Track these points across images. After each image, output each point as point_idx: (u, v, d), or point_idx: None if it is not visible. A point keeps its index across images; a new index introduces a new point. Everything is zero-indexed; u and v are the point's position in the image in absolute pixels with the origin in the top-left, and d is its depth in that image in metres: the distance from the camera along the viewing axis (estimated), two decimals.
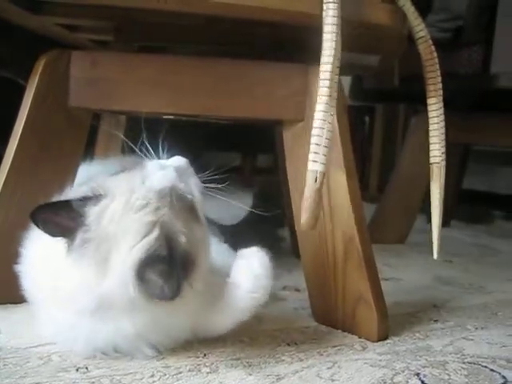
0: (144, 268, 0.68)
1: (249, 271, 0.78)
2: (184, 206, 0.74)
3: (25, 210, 0.90)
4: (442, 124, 0.94)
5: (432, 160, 0.94)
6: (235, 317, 0.79)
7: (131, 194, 0.72)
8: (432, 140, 0.94)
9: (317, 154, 0.80)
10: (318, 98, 0.81)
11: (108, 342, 0.73)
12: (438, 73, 0.94)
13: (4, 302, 0.91)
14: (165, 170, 0.76)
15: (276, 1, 0.84)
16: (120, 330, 0.71)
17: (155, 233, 0.70)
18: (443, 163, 0.94)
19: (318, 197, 0.80)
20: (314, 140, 0.80)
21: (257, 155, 3.18)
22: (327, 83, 0.80)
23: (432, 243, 0.94)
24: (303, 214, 0.80)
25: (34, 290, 0.78)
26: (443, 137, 0.94)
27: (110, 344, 0.73)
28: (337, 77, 0.81)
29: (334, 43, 0.80)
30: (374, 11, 0.90)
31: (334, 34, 0.80)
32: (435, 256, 0.95)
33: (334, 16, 0.80)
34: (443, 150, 0.94)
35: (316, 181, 0.80)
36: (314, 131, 0.80)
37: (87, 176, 0.98)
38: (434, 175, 0.94)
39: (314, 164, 0.80)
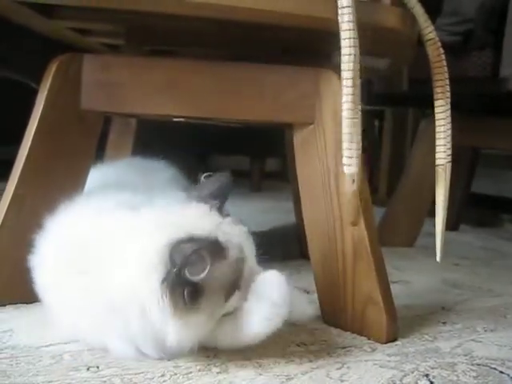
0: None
1: (266, 298, 0.76)
2: None
3: (36, 212, 0.92)
4: (449, 126, 0.94)
5: (437, 162, 0.95)
6: (245, 341, 0.77)
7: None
8: (438, 142, 0.95)
9: (350, 157, 0.83)
10: (343, 101, 0.83)
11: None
12: (446, 75, 0.94)
13: (16, 301, 0.92)
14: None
15: (287, 5, 0.84)
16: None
17: None
18: (448, 165, 0.94)
19: (357, 198, 0.84)
20: (345, 145, 0.83)
21: (265, 159, 3.18)
22: (350, 85, 0.82)
23: (436, 246, 0.95)
24: (347, 216, 0.86)
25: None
26: (449, 139, 0.94)
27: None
28: (358, 79, 0.82)
29: (352, 49, 0.81)
30: (383, 15, 0.91)
31: (352, 38, 0.81)
32: (438, 259, 0.95)
33: (350, 21, 0.81)
34: (449, 152, 0.94)
35: (353, 183, 0.84)
36: (344, 137, 0.83)
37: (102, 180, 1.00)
38: (439, 177, 0.95)
39: (350, 168, 0.84)
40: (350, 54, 0.81)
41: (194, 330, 0.71)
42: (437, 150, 0.94)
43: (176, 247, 0.69)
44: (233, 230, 0.76)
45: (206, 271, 0.69)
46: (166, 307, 0.68)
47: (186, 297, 0.68)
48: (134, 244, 0.72)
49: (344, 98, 0.82)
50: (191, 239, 0.70)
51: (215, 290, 0.71)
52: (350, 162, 0.83)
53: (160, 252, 0.69)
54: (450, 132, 0.94)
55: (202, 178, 0.80)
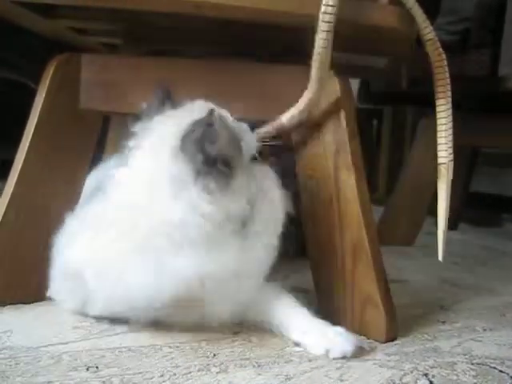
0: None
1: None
2: None
3: (35, 212, 0.92)
4: (450, 125, 0.94)
5: (439, 161, 0.95)
6: None
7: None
8: (439, 141, 0.95)
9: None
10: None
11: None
12: (447, 74, 0.94)
13: (15, 302, 0.91)
14: None
15: (286, 3, 0.84)
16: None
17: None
18: (450, 164, 0.94)
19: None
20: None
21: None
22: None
23: (437, 245, 0.95)
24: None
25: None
26: (451, 138, 0.94)
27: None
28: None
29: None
30: (381, 13, 0.90)
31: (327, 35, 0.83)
32: (440, 258, 0.95)
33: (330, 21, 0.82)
34: (450, 150, 0.94)
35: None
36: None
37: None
38: (441, 176, 0.95)
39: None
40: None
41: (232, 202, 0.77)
42: (439, 149, 0.94)
43: (186, 136, 0.76)
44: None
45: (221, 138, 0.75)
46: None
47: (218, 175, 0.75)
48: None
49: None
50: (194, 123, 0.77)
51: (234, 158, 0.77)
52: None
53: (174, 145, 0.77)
54: (451, 131, 0.94)
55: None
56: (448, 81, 0.94)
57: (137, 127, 0.83)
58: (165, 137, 0.79)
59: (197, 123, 0.78)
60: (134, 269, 0.77)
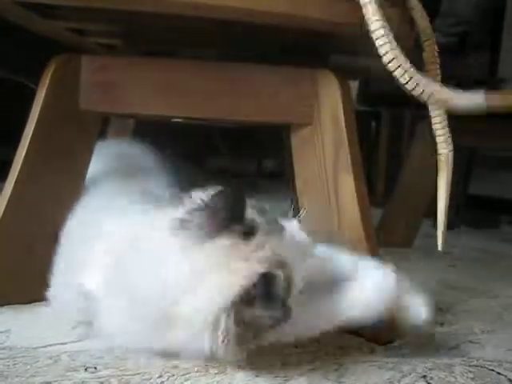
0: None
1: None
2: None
3: (33, 214, 0.92)
4: (445, 117, 0.93)
5: (439, 151, 0.94)
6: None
7: (260, 247, 0.71)
8: (437, 133, 0.94)
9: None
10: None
11: None
12: (439, 77, 0.94)
13: (14, 302, 0.91)
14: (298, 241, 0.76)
15: (285, 6, 0.84)
16: None
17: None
18: (450, 154, 0.93)
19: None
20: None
21: (263, 159, 3.18)
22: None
23: (437, 235, 0.94)
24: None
25: None
26: (447, 129, 0.93)
27: None
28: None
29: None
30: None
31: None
32: (440, 247, 0.94)
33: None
34: (449, 141, 0.94)
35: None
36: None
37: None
38: (441, 167, 0.94)
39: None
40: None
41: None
42: (437, 141, 0.93)
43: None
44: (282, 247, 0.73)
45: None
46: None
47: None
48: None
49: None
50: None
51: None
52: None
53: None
54: (446, 122, 0.93)
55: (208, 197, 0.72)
56: (439, 78, 0.94)
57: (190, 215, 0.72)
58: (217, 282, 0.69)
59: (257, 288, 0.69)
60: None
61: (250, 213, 0.72)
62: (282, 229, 0.74)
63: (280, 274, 0.69)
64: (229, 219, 0.69)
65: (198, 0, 0.81)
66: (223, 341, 0.67)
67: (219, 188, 0.71)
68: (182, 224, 0.70)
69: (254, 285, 0.68)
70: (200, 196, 0.72)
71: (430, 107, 0.93)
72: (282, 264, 0.70)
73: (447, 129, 0.94)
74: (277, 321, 0.68)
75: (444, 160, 0.94)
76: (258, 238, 0.70)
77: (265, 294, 0.68)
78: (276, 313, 0.68)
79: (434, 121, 0.94)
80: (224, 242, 0.69)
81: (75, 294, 0.80)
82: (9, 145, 0.96)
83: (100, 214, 0.85)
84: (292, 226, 0.77)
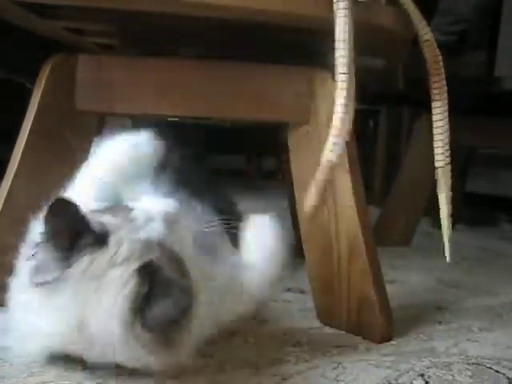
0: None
1: (261, 248, 0.80)
2: (172, 257, 0.69)
3: (30, 214, 0.92)
4: (447, 127, 0.94)
5: (436, 164, 0.95)
6: (255, 298, 0.81)
7: (118, 248, 0.67)
8: (436, 144, 0.94)
9: (336, 144, 0.81)
10: (336, 97, 0.81)
11: None
12: (443, 76, 0.94)
13: None
14: (152, 223, 0.70)
15: (282, 4, 0.84)
16: None
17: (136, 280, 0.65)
18: (448, 167, 0.94)
19: (323, 187, 0.81)
20: (333, 131, 0.81)
21: (261, 158, 3.18)
22: (344, 79, 0.81)
23: (444, 247, 0.94)
24: (307, 200, 0.81)
25: None
26: (447, 141, 0.94)
27: None
28: (353, 75, 0.81)
29: (347, 45, 0.81)
30: (378, 14, 0.91)
31: (347, 37, 0.81)
32: (448, 259, 0.94)
33: (346, 16, 0.81)
34: (447, 153, 0.94)
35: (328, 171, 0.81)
36: (335, 121, 0.81)
37: None
38: (440, 180, 0.95)
39: (331, 154, 0.81)
40: (344, 49, 0.81)
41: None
42: (436, 152, 0.94)
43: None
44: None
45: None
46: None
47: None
48: None
49: (337, 91, 0.81)
50: None
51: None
52: (334, 149, 0.81)
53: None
54: (448, 133, 0.93)
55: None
56: (444, 82, 0.94)
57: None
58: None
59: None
60: None
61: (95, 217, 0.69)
62: (130, 211, 0.70)
63: (154, 259, 0.66)
64: (73, 237, 0.66)
65: None
66: (150, 352, 0.65)
67: (46, 212, 0.68)
68: (36, 269, 0.67)
69: (138, 284, 0.64)
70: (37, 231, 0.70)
71: (434, 118, 0.94)
72: (151, 249, 0.67)
73: (447, 140, 0.94)
74: (183, 306, 0.64)
75: (441, 174, 0.94)
76: (113, 239, 0.67)
77: (154, 287, 0.64)
78: (177, 298, 0.64)
79: (435, 131, 0.94)
80: (82, 264, 0.65)
81: None
82: (5, 144, 0.96)
83: None
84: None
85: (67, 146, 0.95)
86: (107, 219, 0.69)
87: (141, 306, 0.64)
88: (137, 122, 1.42)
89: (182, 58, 0.98)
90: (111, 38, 1.12)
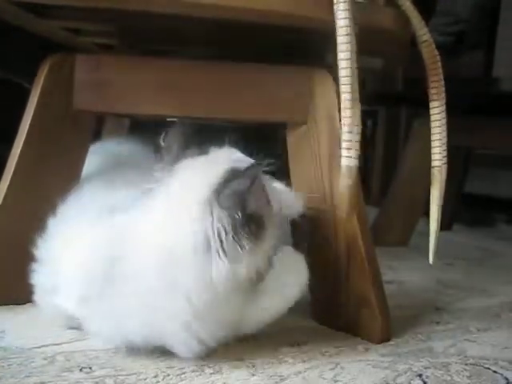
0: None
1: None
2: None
3: (29, 213, 0.92)
4: (444, 128, 0.95)
5: (433, 164, 0.95)
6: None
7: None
8: (433, 144, 0.95)
9: (349, 149, 0.83)
10: (342, 99, 0.83)
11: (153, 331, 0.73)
12: (441, 76, 0.94)
13: (8, 302, 0.91)
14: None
15: (282, 5, 0.84)
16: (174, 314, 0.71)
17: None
18: (444, 167, 0.94)
19: (354, 190, 0.85)
20: (345, 137, 0.83)
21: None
22: (348, 82, 0.81)
23: (429, 248, 0.95)
24: (342, 207, 0.87)
25: None
26: (445, 141, 0.94)
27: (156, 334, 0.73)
28: (356, 76, 0.82)
29: (349, 45, 0.81)
30: (377, 15, 0.91)
31: (349, 37, 0.81)
32: (431, 261, 0.95)
33: (347, 18, 0.81)
34: (444, 153, 0.94)
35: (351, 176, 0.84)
36: (345, 128, 0.83)
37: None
38: (435, 179, 0.95)
39: (348, 160, 0.83)
40: (347, 51, 0.81)
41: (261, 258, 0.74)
42: (432, 152, 0.94)
43: (223, 187, 0.72)
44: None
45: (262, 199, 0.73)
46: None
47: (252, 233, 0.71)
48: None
49: (342, 92, 0.82)
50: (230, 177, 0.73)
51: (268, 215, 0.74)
52: (349, 154, 0.83)
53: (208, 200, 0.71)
54: (445, 134, 0.94)
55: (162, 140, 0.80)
56: (442, 83, 0.95)
57: (157, 169, 0.79)
58: (193, 186, 0.74)
59: (235, 174, 0.73)
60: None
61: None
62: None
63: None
64: (182, 149, 0.77)
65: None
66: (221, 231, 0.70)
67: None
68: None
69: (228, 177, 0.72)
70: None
71: (432, 118, 0.94)
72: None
73: (445, 140, 0.94)
74: (262, 191, 0.73)
75: (437, 174, 0.94)
76: (213, 153, 0.79)
77: (240, 177, 0.71)
78: (257, 183, 0.71)
79: (433, 131, 0.94)
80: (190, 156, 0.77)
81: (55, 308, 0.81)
82: (3, 144, 0.96)
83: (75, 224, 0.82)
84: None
85: (65, 145, 0.95)
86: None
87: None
88: (135, 122, 1.42)
89: (182, 58, 0.98)
90: (110, 38, 1.12)
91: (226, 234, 0.70)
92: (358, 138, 0.83)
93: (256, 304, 0.79)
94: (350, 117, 0.82)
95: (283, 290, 0.82)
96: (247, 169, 0.73)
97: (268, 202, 0.74)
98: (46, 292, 0.81)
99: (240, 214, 0.70)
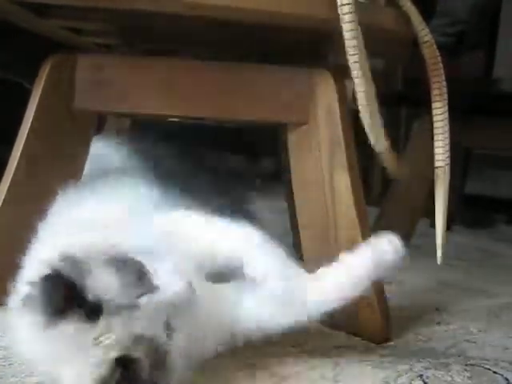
0: None
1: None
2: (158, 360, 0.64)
3: (29, 214, 0.91)
4: (447, 128, 0.94)
5: (436, 164, 0.95)
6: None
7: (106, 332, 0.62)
8: (436, 144, 0.95)
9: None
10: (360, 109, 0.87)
11: None
12: (443, 77, 0.94)
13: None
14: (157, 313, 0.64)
15: (283, 4, 0.84)
16: None
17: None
18: (447, 167, 0.94)
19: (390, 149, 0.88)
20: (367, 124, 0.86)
21: (260, 158, 3.18)
22: (362, 83, 0.85)
23: (436, 248, 0.95)
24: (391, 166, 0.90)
25: None
26: (448, 141, 0.94)
27: None
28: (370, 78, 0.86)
29: (357, 49, 0.81)
30: (378, 15, 0.91)
31: (356, 42, 0.81)
32: (439, 261, 0.95)
33: (352, 19, 0.81)
34: (448, 154, 0.94)
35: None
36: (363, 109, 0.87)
37: None
38: (438, 180, 0.95)
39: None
40: (354, 46, 0.81)
41: None
42: (436, 153, 0.94)
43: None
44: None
45: None
46: None
47: None
48: None
49: (357, 87, 0.85)
50: None
51: None
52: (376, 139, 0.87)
53: None
54: (448, 134, 0.94)
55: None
56: (444, 83, 0.95)
57: None
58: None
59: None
60: None
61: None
62: (138, 297, 0.63)
63: (139, 355, 0.61)
64: (64, 304, 0.61)
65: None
66: None
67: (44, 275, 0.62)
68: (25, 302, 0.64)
69: (112, 373, 0.60)
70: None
71: (434, 118, 0.94)
72: (139, 342, 0.61)
73: (447, 140, 0.94)
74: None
75: (441, 174, 0.94)
76: (105, 318, 0.61)
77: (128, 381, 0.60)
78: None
79: (436, 132, 0.94)
80: (67, 327, 0.61)
81: None
82: (3, 145, 0.96)
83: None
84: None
85: (66, 145, 0.95)
86: (108, 283, 0.63)
87: None
88: (136, 122, 1.42)
89: (182, 57, 0.98)
90: (111, 38, 1.12)
91: None
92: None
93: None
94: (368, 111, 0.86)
95: None
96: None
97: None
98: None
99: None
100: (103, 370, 0.60)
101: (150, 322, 0.62)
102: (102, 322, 0.61)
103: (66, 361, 0.61)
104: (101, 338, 0.61)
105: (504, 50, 1.72)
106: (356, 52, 0.80)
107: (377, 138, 0.86)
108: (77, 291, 0.61)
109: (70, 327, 0.60)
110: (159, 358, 0.62)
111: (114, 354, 0.60)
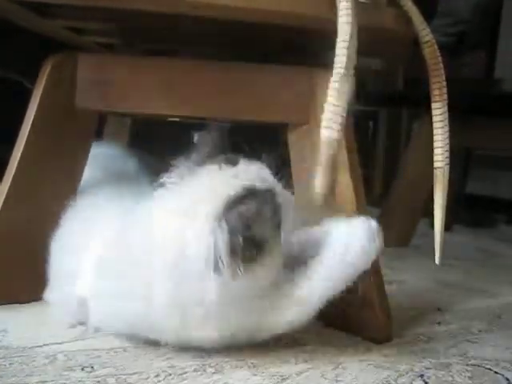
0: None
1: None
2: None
3: (31, 211, 0.92)
4: (447, 129, 0.94)
5: (435, 165, 0.95)
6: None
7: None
8: (436, 145, 0.95)
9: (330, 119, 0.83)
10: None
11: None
12: (443, 77, 0.94)
13: (10, 301, 0.91)
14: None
15: (283, 4, 0.84)
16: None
17: None
18: (446, 168, 0.94)
19: (331, 163, 0.84)
20: (329, 108, 0.83)
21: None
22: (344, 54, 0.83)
23: (434, 248, 0.95)
24: (317, 181, 0.85)
25: None
26: (447, 141, 0.94)
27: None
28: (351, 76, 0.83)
29: (347, 46, 0.81)
30: (379, 15, 0.91)
31: (348, 39, 0.81)
32: (437, 261, 0.95)
33: (349, 19, 0.81)
34: (447, 154, 0.94)
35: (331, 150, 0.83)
36: (329, 99, 0.84)
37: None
38: (438, 180, 0.95)
39: (328, 131, 0.83)
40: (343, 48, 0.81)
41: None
42: (435, 153, 0.94)
43: (232, 206, 0.70)
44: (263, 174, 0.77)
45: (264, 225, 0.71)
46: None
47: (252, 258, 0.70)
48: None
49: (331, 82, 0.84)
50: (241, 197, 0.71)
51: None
52: (329, 125, 0.83)
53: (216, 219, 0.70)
54: (447, 134, 0.94)
55: (196, 138, 0.81)
56: (444, 83, 0.94)
57: (179, 168, 0.78)
58: (206, 197, 0.73)
59: (249, 195, 0.72)
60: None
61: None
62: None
63: (262, 194, 0.72)
64: (213, 153, 0.77)
65: None
66: (227, 247, 0.68)
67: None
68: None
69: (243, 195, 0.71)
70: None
71: (434, 119, 0.94)
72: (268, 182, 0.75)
73: (447, 141, 0.94)
74: (273, 215, 0.72)
75: (440, 175, 0.94)
76: (241, 166, 0.76)
77: (255, 198, 0.71)
78: (269, 207, 0.71)
79: (435, 132, 0.94)
80: (212, 166, 0.76)
81: (68, 298, 0.83)
82: (5, 144, 0.96)
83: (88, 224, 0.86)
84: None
85: (67, 144, 0.95)
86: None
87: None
88: (137, 121, 1.42)
89: (182, 57, 0.98)
90: (111, 37, 1.12)
91: (224, 254, 0.69)
92: (343, 110, 0.83)
93: (273, 313, 0.78)
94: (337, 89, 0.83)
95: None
96: (264, 191, 0.73)
97: (277, 226, 0.73)
98: (62, 281, 0.84)
99: (241, 238, 0.69)
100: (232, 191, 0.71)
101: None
102: (240, 166, 0.76)
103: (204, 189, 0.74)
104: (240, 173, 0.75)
105: (505, 50, 1.72)
106: (345, 47, 0.81)
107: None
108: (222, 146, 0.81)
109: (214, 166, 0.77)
110: (274, 212, 0.73)
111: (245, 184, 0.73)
